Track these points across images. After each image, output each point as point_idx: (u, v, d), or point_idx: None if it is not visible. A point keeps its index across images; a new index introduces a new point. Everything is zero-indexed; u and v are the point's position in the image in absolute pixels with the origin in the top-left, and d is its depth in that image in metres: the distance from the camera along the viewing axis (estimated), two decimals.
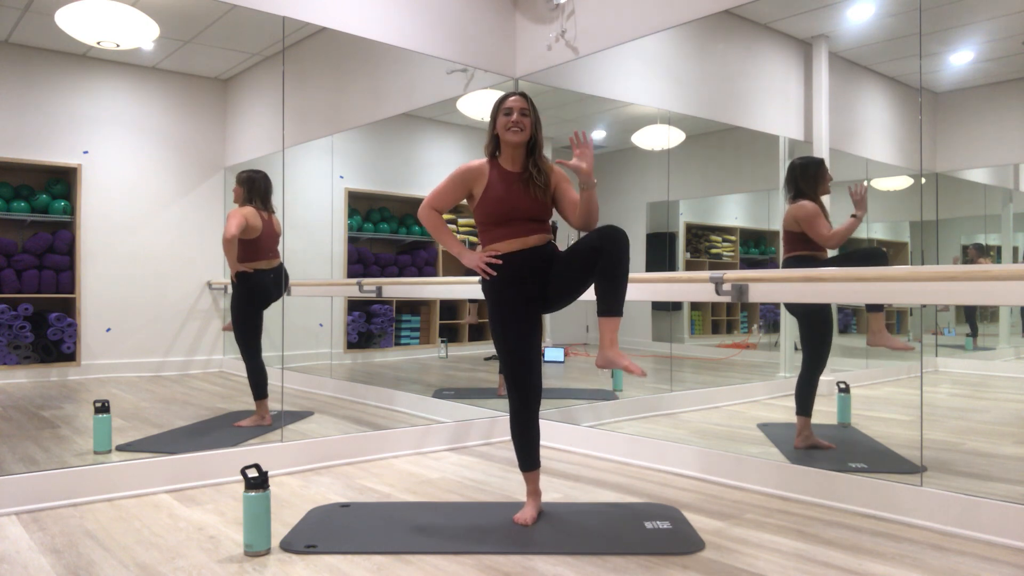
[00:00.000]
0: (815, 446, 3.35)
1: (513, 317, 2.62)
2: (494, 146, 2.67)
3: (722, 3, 3.41)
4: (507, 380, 2.67)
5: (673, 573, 2.18)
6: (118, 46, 3.72)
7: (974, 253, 3.65)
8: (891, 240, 3.89)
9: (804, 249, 3.36)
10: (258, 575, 2.16)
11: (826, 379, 3.41)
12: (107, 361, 3.86)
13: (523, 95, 2.65)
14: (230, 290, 4.13)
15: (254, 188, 3.91)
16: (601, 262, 2.46)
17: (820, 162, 3.42)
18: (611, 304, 2.50)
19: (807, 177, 3.37)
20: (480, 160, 2.68)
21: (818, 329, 3.40)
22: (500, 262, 2.59)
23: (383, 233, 4.88)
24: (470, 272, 3.25)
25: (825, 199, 3.38)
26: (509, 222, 2.60)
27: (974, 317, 4.00)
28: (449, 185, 2.68)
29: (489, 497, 3.00)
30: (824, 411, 3.49)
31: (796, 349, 3.87)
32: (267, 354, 3.99)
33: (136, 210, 4.01)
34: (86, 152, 3.79)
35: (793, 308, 3.52)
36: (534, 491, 2.71)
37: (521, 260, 2.60)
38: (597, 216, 2.61)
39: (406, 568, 2.22)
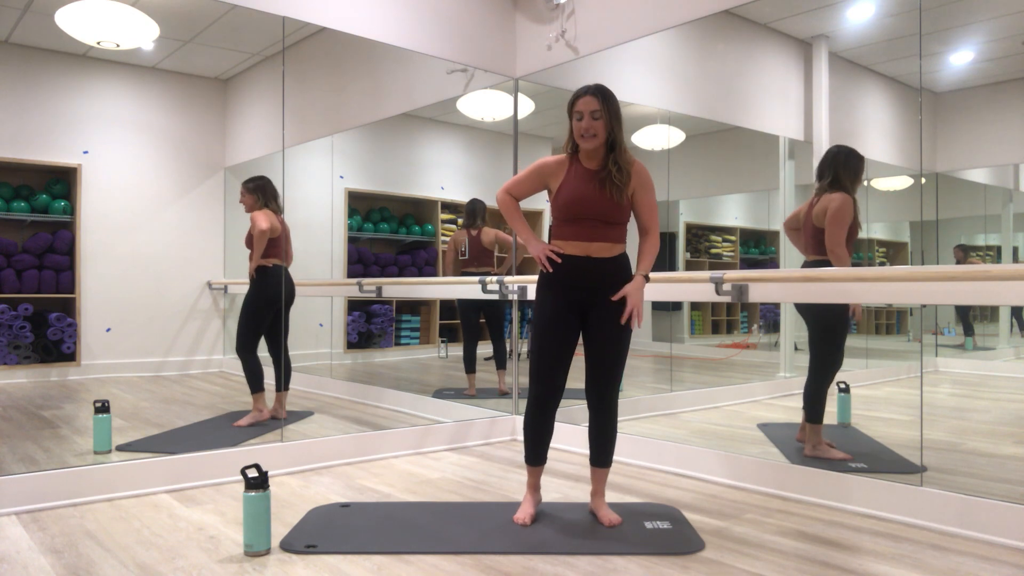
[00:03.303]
0: (827, 457, 3.19)
1: (553, 315, 2.61)
2: (573, 144, 2.63)
3: (722, 3, 3.41)
4: (530, 371, 2.66)
5: (673, 573, 2.18)
6: (118, 46, 3.72)
7: (960, 255, 3.60)
8: (891, 240, 3.89)
9: (826, 255, 3.19)
10: (258, 575, 2.17)
11: None
12: (107, 361, 3.86)
13: (595, 94, 2.54)
14: (230, 290, 4.14)
15: (267, 192, 3.96)
16: (592, 419, 2.71)
17: (862, 157, 3.24)
18: (599, 455, 2.71)
19: (849, 168, 3.19)
20: (561, 155, 2.68)
21: (831, 333, 3.27)
22: (560, 260, 2.59)
23: (383, 233, 4.88)
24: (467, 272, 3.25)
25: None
26: (579, 220, 2.57)
27: (967, 316, 3.98)
28: (527, 176, 2.69)
29: (489, 497, 3.00)
30: (824, 411, 3.49)
31: (796, 349, 3.86)
32: (266, 354, 3.99)
33: (136, 210, 4.01)
34: (86, 152, 3.79)
35: (804, 310, 3.40)
36: (534, 484, 2.71)
37: (579, 266, 2.58)
38: (657, 248, 2.68)
39: (406, 568, 2.22)
